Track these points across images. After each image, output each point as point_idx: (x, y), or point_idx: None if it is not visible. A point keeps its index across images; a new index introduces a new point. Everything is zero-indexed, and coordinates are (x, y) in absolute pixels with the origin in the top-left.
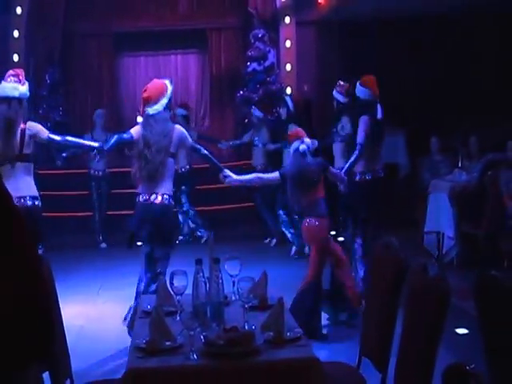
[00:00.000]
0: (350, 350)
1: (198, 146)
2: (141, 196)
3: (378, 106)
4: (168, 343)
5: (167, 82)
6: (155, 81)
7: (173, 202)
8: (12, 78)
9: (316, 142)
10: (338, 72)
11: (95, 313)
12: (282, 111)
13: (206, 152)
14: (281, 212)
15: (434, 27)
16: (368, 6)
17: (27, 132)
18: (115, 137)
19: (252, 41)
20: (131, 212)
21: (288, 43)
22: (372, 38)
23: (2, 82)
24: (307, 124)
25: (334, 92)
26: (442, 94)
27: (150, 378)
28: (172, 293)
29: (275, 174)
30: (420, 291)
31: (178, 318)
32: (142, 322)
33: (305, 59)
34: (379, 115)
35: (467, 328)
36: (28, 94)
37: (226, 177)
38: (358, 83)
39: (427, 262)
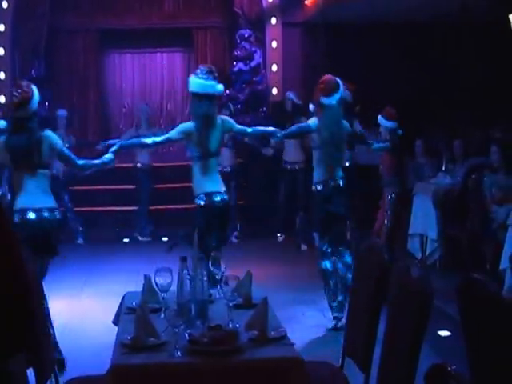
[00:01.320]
0: (333, 350)
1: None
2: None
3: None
4: (152, 340)
5: (339, 80)
6: (329, 77)
7: None
8: (209, 75)
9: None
10: (323, 73)
11: (79, 309)
12: (224, 113)
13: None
14: None
15: (421, 31)
16: (354, 9)
17: (222, 129)
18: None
19: (238, 41)
20: None
21: (274, 44)
22: (358, 40)
23: (193, 77)
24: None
25: (290, 94)
26: (428, 97)
27: (134, 375)
28: (157, 290)
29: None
30: (403, 293)
31: (163, 315)
32: (127, 318)
33: (291, 60)
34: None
35: (450, 330)
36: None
37: None
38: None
39: (410, 263)
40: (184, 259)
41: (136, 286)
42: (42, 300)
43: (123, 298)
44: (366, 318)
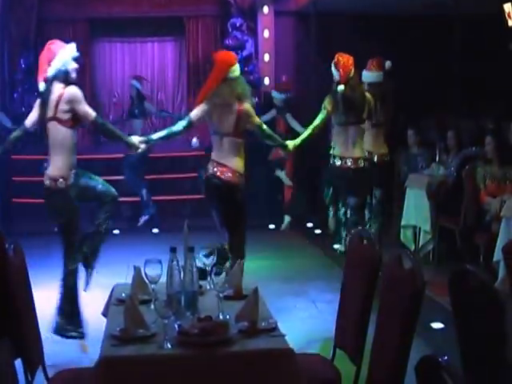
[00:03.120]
0: (324, 342)
1: None
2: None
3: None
4: (142, 332)
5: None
6: None
7: None
8: (379, 69)
9: None
10: (315, 63)
11: None
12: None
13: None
14: None
15: (414, 22)
16: None
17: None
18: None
19: (230, 29)
20: None
21: (266, 33)
22: (350, 30)
23: (365, 72)
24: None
25: (134, 82)
26: (421, 87)
27: (123, 366)
28: (147, 281)
29: None
30: (395, 284)
31: (153, 306)
32: (116, 309)
33: (283, 49)
34: None
35: (443, 322)
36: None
37: None
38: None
39: (402, 255)
40: (174, 250)
41: (126, 277)
42: (28, 289)
43: (113, 289)
44: (357, 310)
